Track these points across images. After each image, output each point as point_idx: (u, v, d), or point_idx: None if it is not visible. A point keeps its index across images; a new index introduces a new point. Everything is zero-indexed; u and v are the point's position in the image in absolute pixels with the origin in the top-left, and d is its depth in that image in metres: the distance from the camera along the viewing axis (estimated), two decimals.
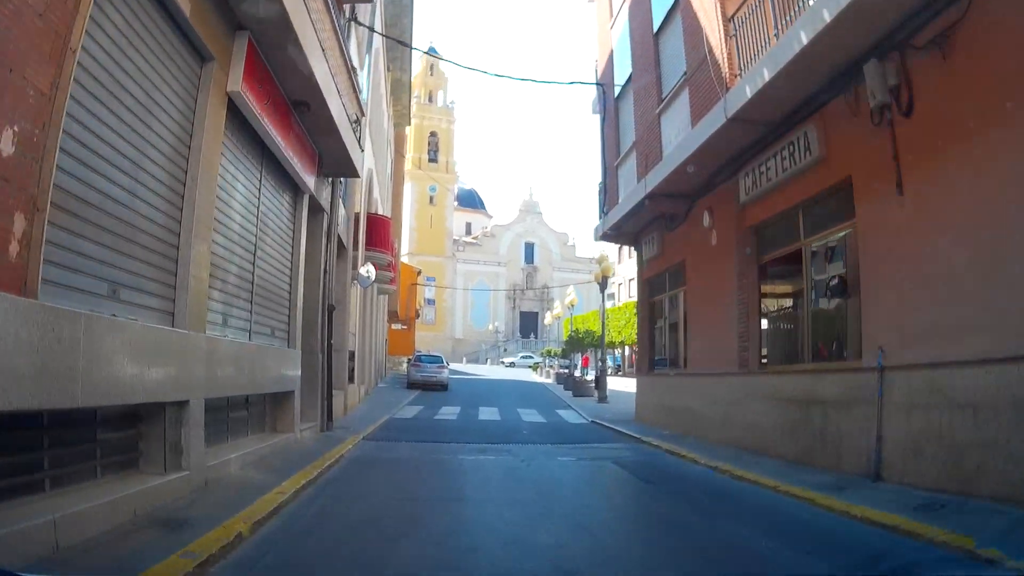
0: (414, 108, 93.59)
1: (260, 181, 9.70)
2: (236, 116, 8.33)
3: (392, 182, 42.33)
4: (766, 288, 12.73)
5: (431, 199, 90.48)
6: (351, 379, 19.78)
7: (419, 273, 59.12)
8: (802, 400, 10.24)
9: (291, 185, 11.28)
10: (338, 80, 11.34)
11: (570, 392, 31.08)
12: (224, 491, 7.11)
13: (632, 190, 16.23)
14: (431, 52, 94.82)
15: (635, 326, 42.28)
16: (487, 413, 20.28)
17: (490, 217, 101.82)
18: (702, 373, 14.11)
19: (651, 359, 17.85)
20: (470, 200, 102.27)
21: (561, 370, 42.91)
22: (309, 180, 11.70)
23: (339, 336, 17.03)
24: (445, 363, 32.32)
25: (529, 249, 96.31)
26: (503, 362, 74.60)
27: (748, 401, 11.98)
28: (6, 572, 2.96)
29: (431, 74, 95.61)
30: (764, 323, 12.55)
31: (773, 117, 10.83)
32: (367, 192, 22.90)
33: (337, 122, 11.11)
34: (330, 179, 13.91)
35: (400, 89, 39.13)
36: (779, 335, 12.28)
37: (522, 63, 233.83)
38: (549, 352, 56.21)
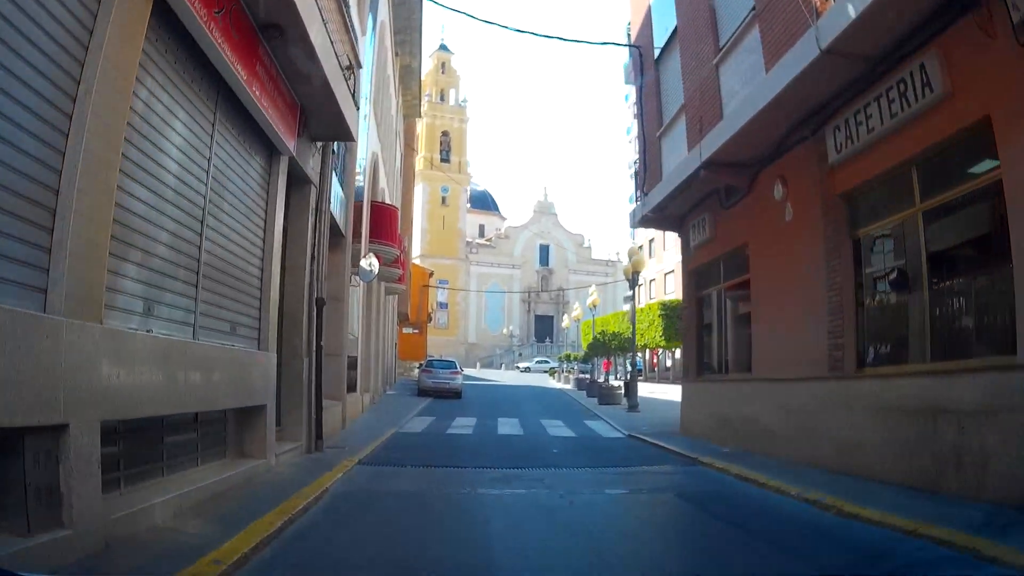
0: (425, 107, 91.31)
1: (214, 126, 7.23)
2: (169, 21, 5.88)
3: (402, 178, 39.99)
4: (864, 270, 10.16)
5: (443, 200, 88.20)
6: (352, 388, 17.32)
7: (431, 275, 56.71)
8: (921, 409, 7.78)
9: (263, 143, 8.82)
10: (323, 4, 8.86)
11: (594, 399, 28.54)
12: (129, 557, 4.68)
13: (681, 162, 13.70)
14: (443, 48, 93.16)
15: (659, 328, 39.85)
16: (507, 425, 17.75)
17: (504, 219, 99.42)
18: (772, 378, 11.55)
19: (699, 363, 15.28)
20: (483, 202, 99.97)
21: (582, 375, 40.35)
22: (288, 140, 9.25)
23: (335, 338, 14.57)
24: (458, 368, 29.83)
25: (544, 251, 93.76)
26: (518, 367, 71.99)
27: (839, 411, 9.46)
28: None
29: (443, 72, 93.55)
30: (860, 314, 9.96)
31: (875, 49, 8.35)
32: (371, 177, 20.47)
33: (321, 59, 8.62)
34: (319, 145, 11.43)
35: (410, 78, 36.71)
36: (883, 328, 9.68)
37: (542, 54, 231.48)
38: (568, 356, 53.59)
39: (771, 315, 11.84)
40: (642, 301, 56.36)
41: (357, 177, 17.41)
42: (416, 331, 52.60)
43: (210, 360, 7.08)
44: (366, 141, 19.11)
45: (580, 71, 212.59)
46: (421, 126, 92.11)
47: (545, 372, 60.01)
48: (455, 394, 28.45)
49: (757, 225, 12.35)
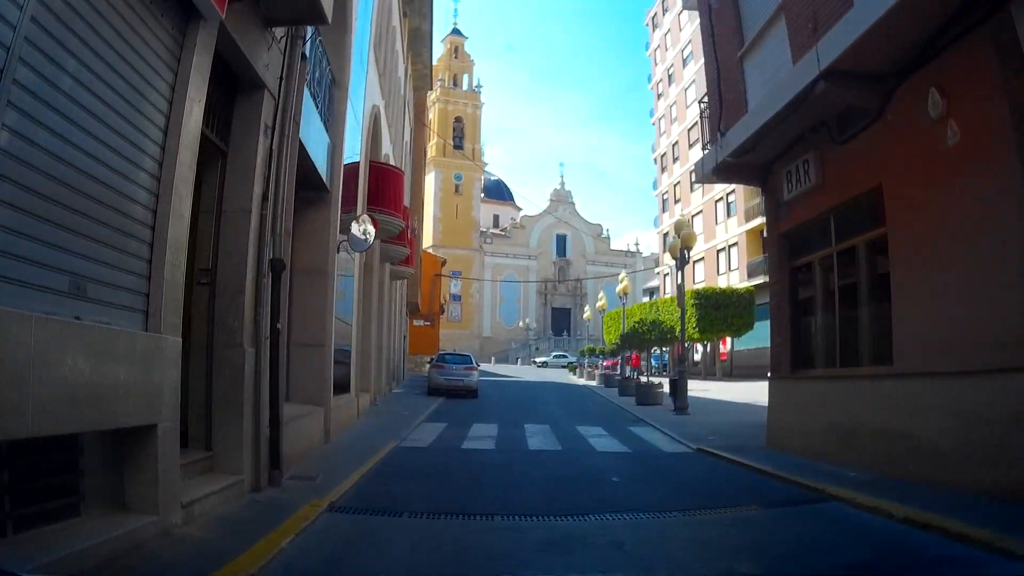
0: (437, 92, 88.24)
1: None
2: None
3: (412, 156, 36.46)
4: None
5: (457, 188, 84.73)
6: (342, 388, 13.82)
7: (444, 263, 53.12)
8: None
9: None
10: None
11: (627, 398, 24.97)
12: None
13: (778, 82, 10.06)
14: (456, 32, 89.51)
15: (694, 319, 36.16)
16: (538, 436, 14.16)
17: (518, 209, 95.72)
18: (932, 372, 7.92)
19: (795, 353, 11.61)
20: (497, 191, 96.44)
21: (608, 371, 36.71)
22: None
23: (315, 323, 11.13)
24: (474, 363, 26.20)
25: (561, 241, 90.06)
26: (534, 362, 68.45)
27: None
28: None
29: (455, 57, 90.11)
30: None
31: None
32: (370, 132, 16.90)
33: None
34: (280, 39, 7.83)
35: (420, 43, 33.14)
36: None
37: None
38: (591, 350, 49.90)
39: (925, 280, 8.19)
40: (667, 291, 52.65)
41: (351, 128, 13.90)
42: (428, 323, 49.10)
43: (17, 344, 3.54)
44: (364, 85, 15.56)
45: (599, 60, 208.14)
46: (434, 112, 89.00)
47: (564, 367, 56.43)
48: (471, 393, 24.88)
49: (896, 159, 8.73)
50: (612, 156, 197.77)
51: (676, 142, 53.17)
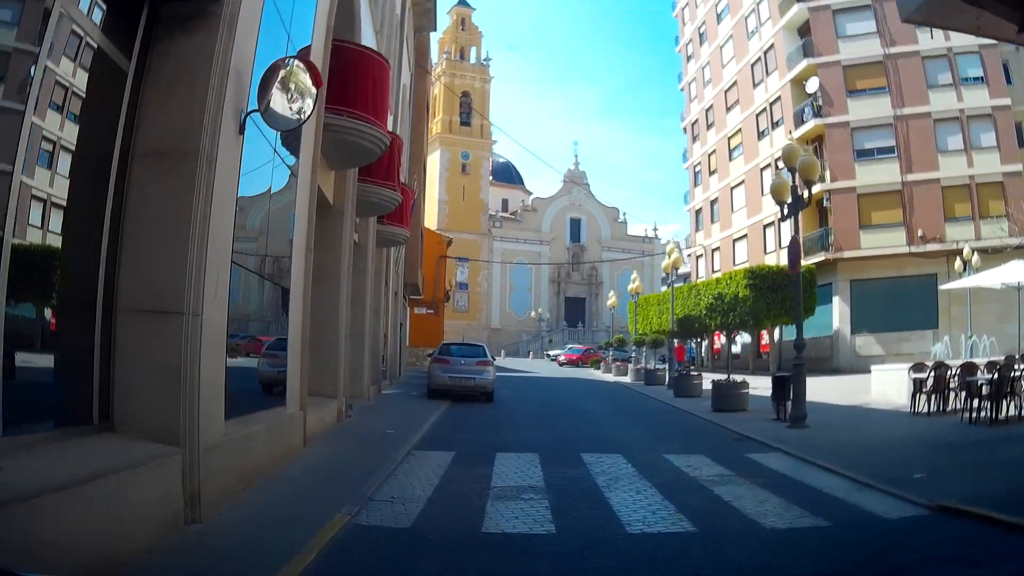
0: (443, 65, 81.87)
1: None
2: None
3: (412, 106, 30.35)
4: None
5: (464, 167, 78.52)
6: (272, 399, 7.82)
7: (450, 243, 46.94)
8: None
9: None
10: None
11: (690, 400, 19.18)
12: None
13: None
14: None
15: (748, 302, 29.99)
16: (618, 482, 7.98)
17: (529, 193, 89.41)
18: None
19: None
20: (507, 174, 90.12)
21: (650, 366, 30.62)
22: None
23: (164, 262, 4.90)
24: (489, 356, 19.94)
25: (575, 225, 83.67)
26: (548, 355, 62.14)
27: None
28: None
29: (462, 28, 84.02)
30: None
31: None
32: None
33: None
34: None
35: None
36: None
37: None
38: (620, 341, 43.59)
39: None
40: (701, 276, 46.40)
41: None
42: (431, 312, 43.14)
43: None
44: None
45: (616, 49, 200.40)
46: (439, 87, 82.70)
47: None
48: (484, 396, 18.67)
49: None
50: (622, 150, 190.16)
51: (710, 106, 46.86)
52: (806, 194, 13.25)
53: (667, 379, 24.40)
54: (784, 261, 35.61)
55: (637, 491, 7.36)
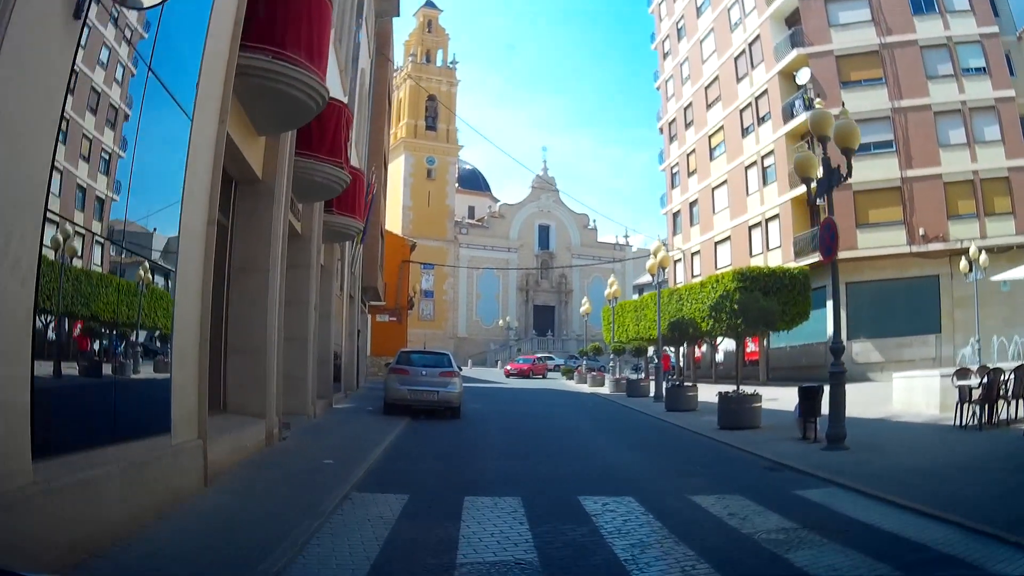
0: (408, 68, 79.32)
1: None
2: None
3: (372, 96, 27.79)
4: None
5: (429, 173, 75.91)
6: (151, 424, 5.15)
7: (413, 248, 44.30)
8: None
9: None
10: None
11: (685, 414, 16.84)
12: None
13: None
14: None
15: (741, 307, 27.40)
16: (647, 544, 5.48)
17: (496, 201, 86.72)
18: None
19: None
20: (473, 181, 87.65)
21: (632, 376, 28.25)
22: None
23: None
24: (454, 366, 17.24)
25: (544, 232, 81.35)
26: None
27: None
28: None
29: (429, 31, 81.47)
30: None
31: None
32: None
33: None
34: None
35: None
36: None
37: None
38: (595, 350, 41.16)
39: None
40: (679, 281, 44.24)
41: None
42: (394, 319, 40.39)
43: None
44: None
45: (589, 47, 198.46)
46: (404, 90, 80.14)
47: (559, 371, 47.82)
48: (450, 411, 16.06)
49: None
50: (587, 160, 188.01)
51: (689, 104, 44.79)
52: (843, 166, 10.86)
53: (652, 390, 22.00)
54: (775, 262, 33.60)
55: (683, 570, 4.83)
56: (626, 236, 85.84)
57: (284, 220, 11.30)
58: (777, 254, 34.39)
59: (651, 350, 35.56)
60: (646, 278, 65.25)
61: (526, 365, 47.89)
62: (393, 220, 60.31)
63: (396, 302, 40.08)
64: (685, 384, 18.82)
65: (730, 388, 15.02)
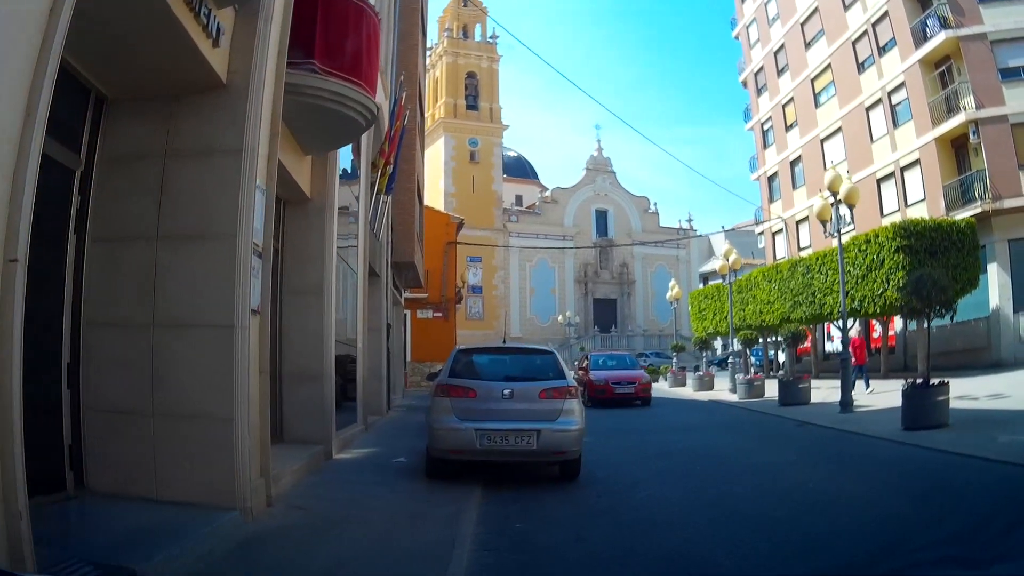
0: (444, 44, 72.73)
1: None
2: None
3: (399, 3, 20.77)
4: None
5: (472, 155, 68.95)
6: None
7: (460, 226, 37.21)
8: None
9: None
10: None
11: (924, 430, 9.38)
12: None
13: None
14: None
15: (899, 278, 19.70)
16: None
17: (544, 189, 79.40)
18: None
19: None
20: (520, 169, 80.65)
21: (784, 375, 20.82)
22: None
23: None
24: (566, 376, 8.98)
25: (601, 218, 73.77)
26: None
27: None
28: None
29: (464, 4, 74.18)
30: None
31: None
32: None
33: None
34: None
35: None
36: None
37: None
38: (676, 349, 33.73)
39: None
40: (776, 255, 36.57)
41: None
42: (440, 315, 33.32)
43: None
44: None
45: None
46: (440, 68, 73.51)
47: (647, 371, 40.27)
48: (561, 467, 8.77)
49: None
50: (620, 159, 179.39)
51: (781, 46, 37.32)
52: None
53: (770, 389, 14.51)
54: (928, 214, 26.02)
55: None
56: (689, 220, 77.99)
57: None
58: (920, 209, 26.64)
59: (733, 344, 27.98)
60: (712, 264, 57.44)
61: (613, 375, 22.81)
62: (435, 208, 53.53)
63: (442, 295, 33.20)
64: (931, 384, 11.20)
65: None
